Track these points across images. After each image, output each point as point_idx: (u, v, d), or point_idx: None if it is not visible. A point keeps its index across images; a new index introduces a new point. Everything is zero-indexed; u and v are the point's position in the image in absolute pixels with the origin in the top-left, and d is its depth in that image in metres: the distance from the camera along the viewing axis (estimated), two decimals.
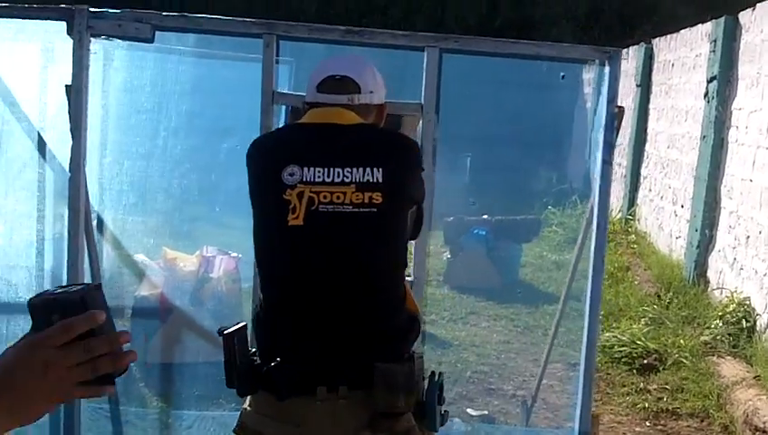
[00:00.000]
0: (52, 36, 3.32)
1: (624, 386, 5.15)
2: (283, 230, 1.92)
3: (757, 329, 5.45)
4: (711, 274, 6.69)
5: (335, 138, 1.99)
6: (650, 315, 6.18)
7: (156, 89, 3.91)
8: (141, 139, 3.78)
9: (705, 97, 7.06)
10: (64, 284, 2.00)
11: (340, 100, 2.05)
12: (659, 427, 4.60)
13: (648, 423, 4.65)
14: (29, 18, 3.19)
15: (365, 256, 1.92)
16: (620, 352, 5.59)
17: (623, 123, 10.15)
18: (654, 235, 8.90)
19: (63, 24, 3.07)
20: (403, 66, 3.25)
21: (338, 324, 1.91)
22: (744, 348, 5.28)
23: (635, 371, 5.36)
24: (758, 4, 6.30)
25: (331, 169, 1.92)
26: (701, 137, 7.06)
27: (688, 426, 4.59)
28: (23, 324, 3.29)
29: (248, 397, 1.99)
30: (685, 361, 5.28)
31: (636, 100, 10.15)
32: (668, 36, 9.30)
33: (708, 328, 5.68)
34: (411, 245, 7.02)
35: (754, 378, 4.68)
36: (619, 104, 3.34)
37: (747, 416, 4.27)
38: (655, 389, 5.06)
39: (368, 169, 1.91)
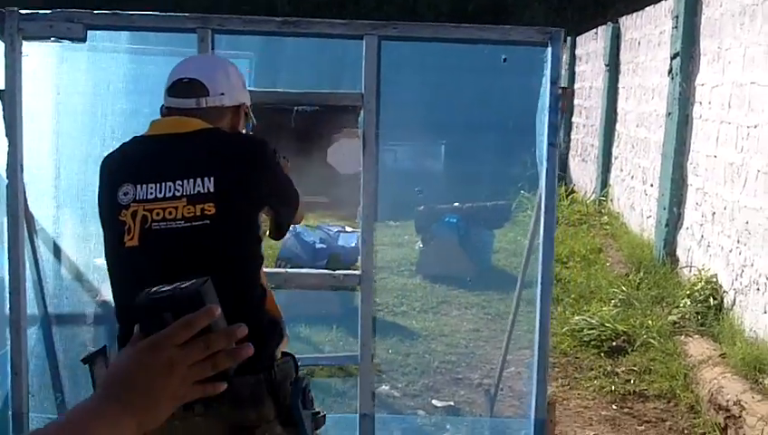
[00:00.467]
0: None
1: (592, 369, 5.11)
2: (121, 253, 1.88)
3: (724, 306, 5.42)
4: (680, 252, 6.66)
5: (169, 150, 1.93)
6: (620, 297, 6.14)
7: (95, 89, 3.81)
8: (80, 141, 3.68)
9: (669, 74, 7.01)
10: None
11: (187, 104, 1.99)
12: (626, 410, 4.56)
13: (614, 407, 4.60)
14: None
15: (201, 273, 1.86)
16: (589, 335, 5.55)
17: (593, 103, 10.04)
18: (626, 215, 8.87)
19: None
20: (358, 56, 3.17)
21: None
22: (711, 326, 5.24)
23: (603, 354, 5.32)
24: None
25: (163, 184, 1.86)
26: (666, 114, 7.01)
27: (655, 408, 4.55)
28: None
29: None
30: (653, 341, 5.25)
31: (605, 80, 10.11)
32: (634, 14, 9.25)
33: (677, 307, 5.65)
34: (349, 239, 6.87)
35: (720, 356, 4.64)
36: (564, 85, 3.27)
37: (712, 395, 4.23)
38: (623, 371, 5.02)
39: (198, 180, 1.85)
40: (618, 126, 9.69)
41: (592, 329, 5.57)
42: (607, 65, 10.07)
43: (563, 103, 3.29)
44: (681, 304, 5.62)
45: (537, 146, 3.33)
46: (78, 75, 3.68)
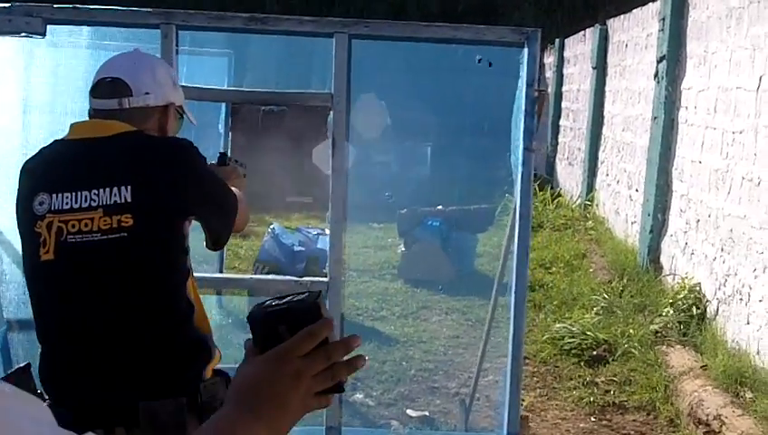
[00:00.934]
0: None
1: (571, 379, 5.00)
2: (37, 267, 1.76)
3: (707, 316, 5.32)
4: (664, 259, 6.56)
5: (86, 156, 1.80)
6: (602, 304, 6.03)
7: (55, 87, 3.67)
8: (44, 140, 3.53)
9: (655, 77, 6.91)
10: None
11: (109, 105, 1.86)
12: (605, 422, 4.45)
13: (593, 419, 4.49)
14: None
15: (120, 289, 1.74)
16: (570, 343, 5.44)
17: (580, 107, 9.89)
18: (611, 220, 8.78)
19: None
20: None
21: (103, 363, 1.74)
22: (693, 336, 5.14)
23: (584, 363, 5.21)
24: None
25: (79, 194, 1.73)
26: (652, 118, 6.91)
27: (634, 420, 4.44)
28: None
29: None
30: (634, 351, 5.14)
31: (592, 82, 10.01)
32: (622, 16, 9.16)
33: (660, 316, 5.54)
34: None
35: (701, 368, 4.54)
36: (539, 88, 3.15)
37: (692, 408, 4.13)
38: (603, 381, 4.91)
39: (115, 189, 1.72)
40: (604, 129, 9.59)
41: (573, 337, 5.46)
42: (594, 68, 9.97)
43: (539, 107, 3.18)
44: (664, 313, 5.52)
45: (512, 150, 3.21)
46: (41, 71, 3.55)
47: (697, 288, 5.56)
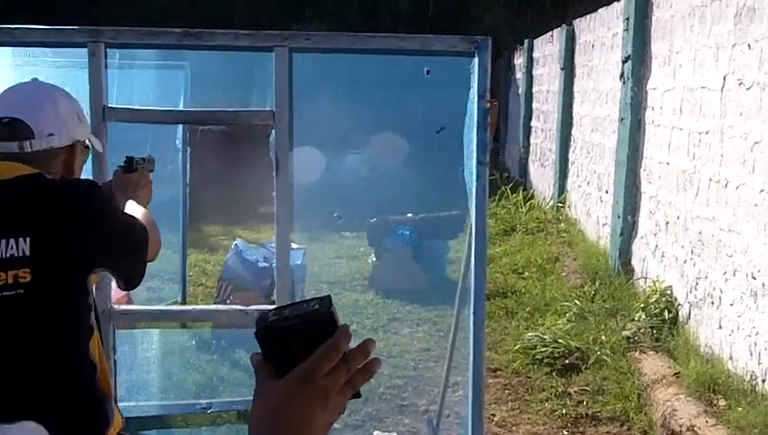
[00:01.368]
0: None
1: (544, 390, 4.87)
2: None
3: (680, 320, 5.22)
4: (635, 262, 6.46)
5: None
6: (574, 311, 5.92)
7: None
8: None
9: (621, 78, 6.82)
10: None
11: (9, 148, 1.69)
12: (578, 434, 4.33)
13: (566, 432, 4.37)
14: None
15: (16, 351, 1.57)
16: (542, 352, 5.32)
17: (550, 108, 9.77)
18: (583, 222, 8.68)
19: None
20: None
21: None
22: (666, 341, 5.03)
23: (556, 372, 5.09)
24: None
25: None
26: (619, 119, 6.82)
27: (608, 432, 4.32)
28: None
29: None
30: (606, 359, 5.03)
31: (560, 83, 9.93)
32: (588, 17, 9.08)
33: (632, 320, 5.43)
34: (294, 256, 6.61)
35: (674, 375, 4.43)
36: (491, 99, 3.02)
37: (665, 419, 4.01)
38: (575, 391, 4.79)
39: (12, 241, 1.55)
40: (574, 131, 9.50)
41: (545, 346, 5.35)
42: (562, 69, 9.89)
43: (492, 118, 3.04)
44: (636, 318, 5.41)
45: (465, 163, 3.08)
46: None
47: (669, 292, 5.46)
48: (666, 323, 5.21)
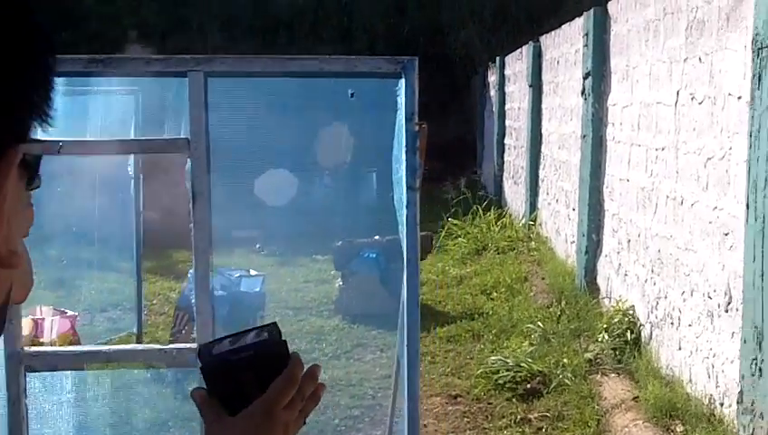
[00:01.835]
0: None
1: (503, 417, 4.73)
2: None
3: (642, 340, 5.10)
4: (600, 280, 6.35)
5: None
6: (539, 332, 5.79)
7: None
8: None
9: (582, 94, 6.74)
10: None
11: None
12: None
13: None
14: None
15: None
16: (504, 377, 5.18)
17: (522, 125, 9.63)
18: (553, 240, 8.58)
19: None
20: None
21: None
22: (627, 363, 4.91)
23: (517, 398, 4.95)
24: None
25: None
26: (581, 136, 6.73)
27: None
28: None
29: None
30: (568, 382, 4.90)
31: (529, 100, 9.86)
32: (553, 33, 9.02)
33: (595, 341, 5.31)
34: (252, 284, 6.35)
35: (633, 399, 4.30)
36: (419, 121, 2.90)
37: None
38: (536, 417, 4.66)
39: None
40: (543, 148, 9.42)
41: (508, 370, 5.21)
42: (531, 85, 9.82)
43: (421, 141, 2.93)
44: (599, 338, 5.29)
45: (394, 189, 2.95)
46: None
47: (631, 311, 5.35)
48: (628, 344, 5.09)
